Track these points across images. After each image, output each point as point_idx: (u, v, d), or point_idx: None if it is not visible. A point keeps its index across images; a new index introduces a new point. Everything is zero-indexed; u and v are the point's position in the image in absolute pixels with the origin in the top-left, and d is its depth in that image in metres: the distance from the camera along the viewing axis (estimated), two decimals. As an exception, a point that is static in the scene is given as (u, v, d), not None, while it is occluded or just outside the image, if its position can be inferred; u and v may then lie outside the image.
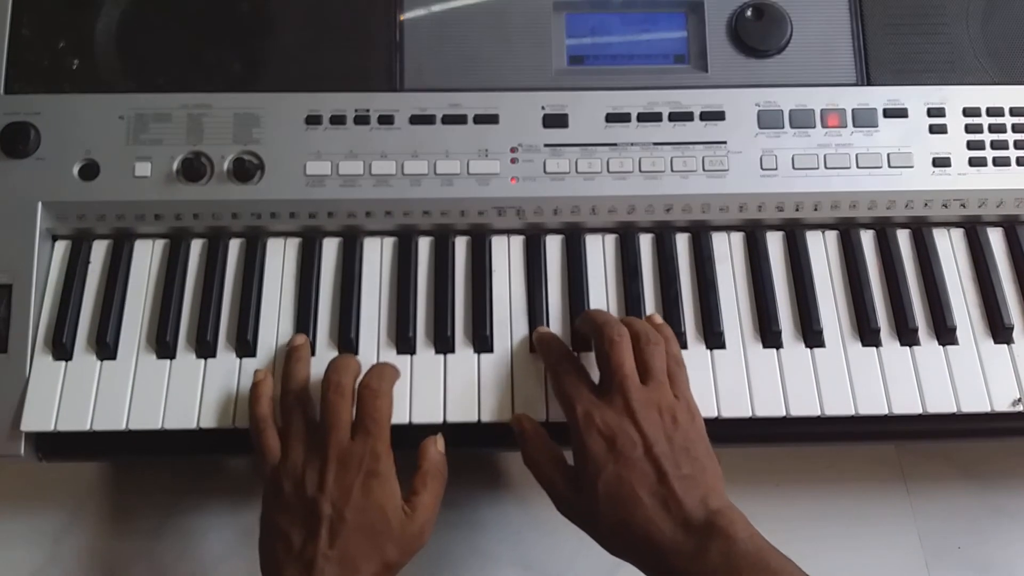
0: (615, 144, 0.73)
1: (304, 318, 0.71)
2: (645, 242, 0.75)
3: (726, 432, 0.67)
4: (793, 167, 0.73)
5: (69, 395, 0.68)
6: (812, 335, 0.71)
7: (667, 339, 0.67)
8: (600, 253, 0.74)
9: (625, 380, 0.63)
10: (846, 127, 0.74)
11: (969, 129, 0.74)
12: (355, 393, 0.65)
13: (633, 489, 0.59)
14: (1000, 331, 0.71)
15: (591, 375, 0.66)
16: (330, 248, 0.74)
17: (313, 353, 0.70)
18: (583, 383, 0.64)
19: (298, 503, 0.61)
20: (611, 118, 0.74)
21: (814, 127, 0.74)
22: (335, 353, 0.70)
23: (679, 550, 0.57)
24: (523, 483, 0.78)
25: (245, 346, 0.70)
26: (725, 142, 0.74)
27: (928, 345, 0.71)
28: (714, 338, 0.71)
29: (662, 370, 0.64)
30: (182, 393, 0.68)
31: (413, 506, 0.62)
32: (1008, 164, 0.74)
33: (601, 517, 0.60)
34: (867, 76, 0.76)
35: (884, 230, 0.75)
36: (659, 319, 0.70)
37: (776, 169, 0.73)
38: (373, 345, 0.71)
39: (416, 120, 0.73)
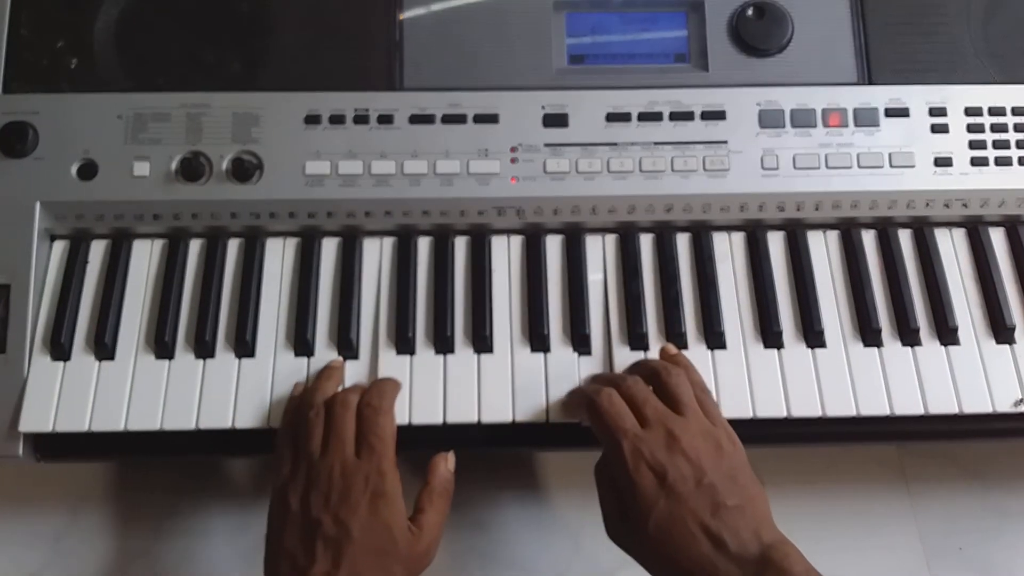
0: (615, 144, 0.73)
1: (303, 318, 0.71)
2: (645, 242, 0.75)
3: (727, 433, 0.67)
4: (794, 167, 0.73)
5: (67, 395, 0.68)
6: (813, 335, 0.71)
7: (685, 367, 0.67)
8: (600, 253, 0.74)
9: (656, 411, 0.62)
10: (847, 126, 0.74)
11: (971, 129, 0.74)
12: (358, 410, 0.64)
13: (686, 525, 0.57)
14: (1002, 331, 0.71)
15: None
16: (329, 248, 0.74)
17: (312, 353, 0.70)
18: (626, 415, 0.62)
19: (303, 522, 0.60)
20: (611, 117, 0.74)
21: (815, 126, 0.74)
22: (334, 354, 0.70)
23: None
24: (522, 483, 0.77)
25: (244, 346, 0.70)
26: (726, 141, 0.73)
27: (930, 345, 0.71)
28: (715, 338, 0.71)
29: (692, 398, 0.64)
30: (181, 393, 0.68)
31: (419, 524, 0.61)
32: (1010, 164, 0.73)
33: (651, 553, 0.59)
34: (868, 75, 0.75)
35: (885, 230, 0.75)
36: (673, 349, 0.69)
37: (777, 169, 0.73)
38: (373, 345, 0.71)
39: (416, 120, 0.73)
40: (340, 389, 0.68)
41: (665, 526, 0.58)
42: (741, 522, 0.58)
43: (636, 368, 0.67)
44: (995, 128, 0.74)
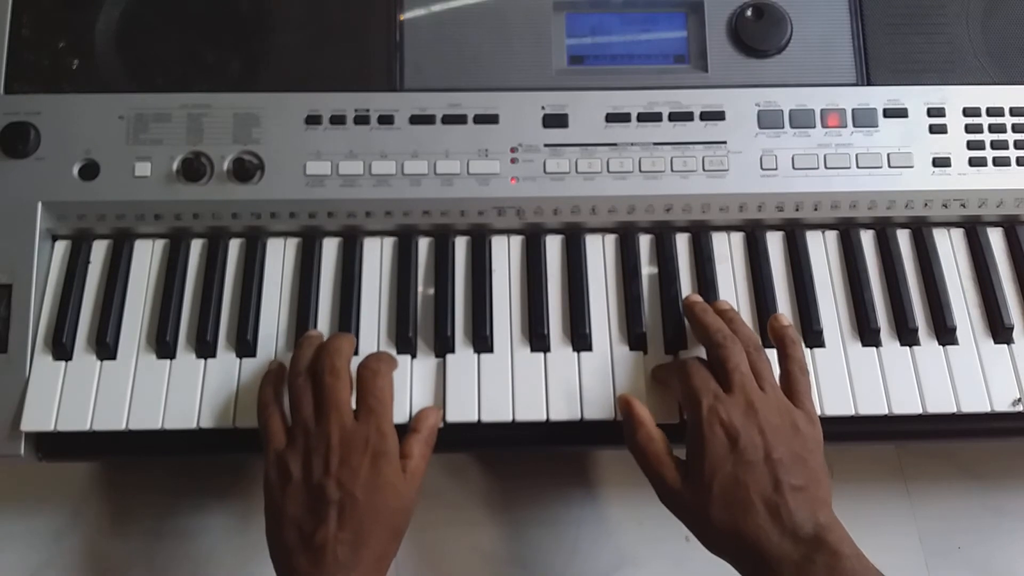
0: (615, 144, 0.73)
1: (304, 318, 0.71)
2: (645, 242, 0.75)
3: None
4: (793, 167, 0.73)
5: (69, 395, 0.68)
6: (812, 335, 0.71)
7: (792, 342, 0.67)
8: (600, 253, 0.74)
9: (745, 379, 0.63)
10: (846, 127, 0.74)
11: (969, 129, 0.74)
12: (352, 375, 0.65)
13: (748, 494, 0.59)
14: (1000, 331, 0.71)
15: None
16: (330, 248, 0.74)
17: (313, 352, 0.70)
18: (710, 378, 0.63)
19: (305, 489, 0.61)
20: (611, 118, 0.74)
21: (814, 127, 0.74)
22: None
23: (784, 558, 0.57)
24: (522, 482, 0.78)
25: (245, 346, 0.70)
26: (725, 142, 0.74)
27: (928, 345, 0.71)
28: (714, 338, 0.71)
29: (771, 377, 0.64)
30: (182, 393, 0.68)
31: (407, 470, 0.63)
32: (1008, 164, 0.74)
33: (711, 517, 0.60)
34: (867, 76, 0.76)
35: (884, 230, 0.75)
36: (785, 320, 0.69)
37: (776, 169, 0.73)
38: (373, 345, 0.71)
39: (416, 120, 0.73)
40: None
41: (729, 491, 0.59)
42: (801, 502, 0.59)
43: (738, 332, 0.67)
44: (993, 128, 0.74)
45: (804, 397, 0.65)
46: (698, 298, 0.70)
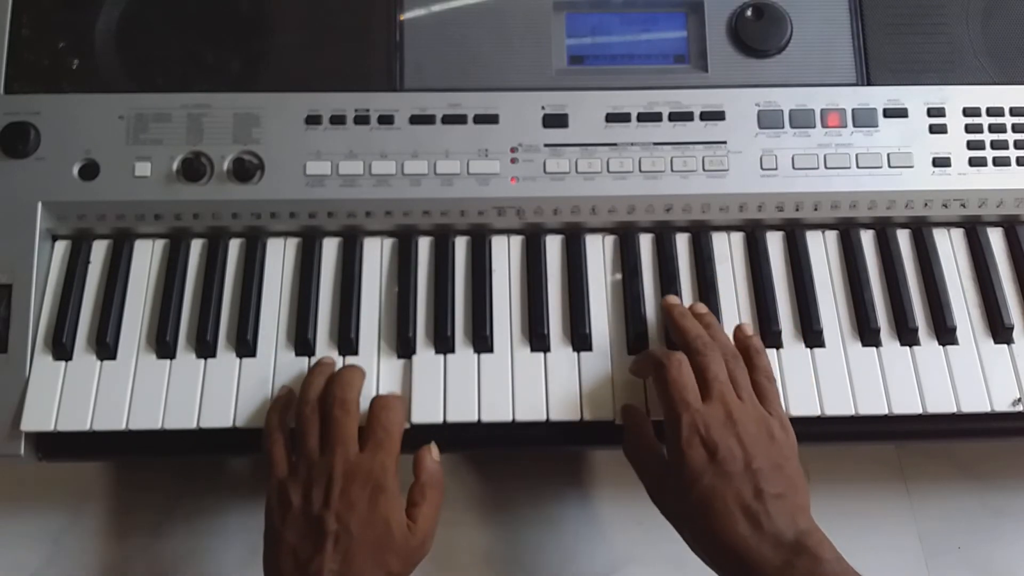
0: (615, 144, 0.73)
1: (304, 318, 0.71)
2: (645, 242, 0.75)
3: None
4: (793, 167, 0.73)
5: (69, 395, 0.68)
6: (812, 335, 0.71)
7: (757, 351, 0.68)
8: (600, 253, 0.74)
9: (724, 388, 0.63)
10: (846, 127, 0.74)
11: (969, 129, 0.74)
12: (359, 406, 0.65)
13: (726, 503, 0.59)
14: (1000, 331, 0.71)
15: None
16: (330, 248, 0.74)
17: (312, 353, 0.70)
18: (691, 388, 0.63)
19: (304, 518, 0.61)
20: (611, 118, 0.74)
21: (814, 127, 0.74)
22: (335, 354, 0.70)
23: (765, 564, 0.57)
24: (522, 483, 0.78)
25: (245, 346, 0.70)
26: (725, 142, 0.74)
27: (928, 345, 0.71)
28: (714, 338, 0.71)
29: (748, 384, 0.65)
30: (182, 393, 0.69)
31: (414, 518, 0.62)
32: (1008, 164, 0.74)
33: (690, 522, 0.61)
34: (867, 76, 0.76)
35: (884, 230, 0.75)
36: (749, 329, 0.70)
37: (776, 169, 0.73)
38: (373, 345, 0.71)
39: (416, 120, 0.73)
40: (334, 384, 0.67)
41: (707, 499, 0.59)
42: (780, 508, 0.59)
43: (716, 337, 0.67)
44: (993, 128, 0.74)
45: (775, 404, 0.65)
46: (676, 300, 0.71)
